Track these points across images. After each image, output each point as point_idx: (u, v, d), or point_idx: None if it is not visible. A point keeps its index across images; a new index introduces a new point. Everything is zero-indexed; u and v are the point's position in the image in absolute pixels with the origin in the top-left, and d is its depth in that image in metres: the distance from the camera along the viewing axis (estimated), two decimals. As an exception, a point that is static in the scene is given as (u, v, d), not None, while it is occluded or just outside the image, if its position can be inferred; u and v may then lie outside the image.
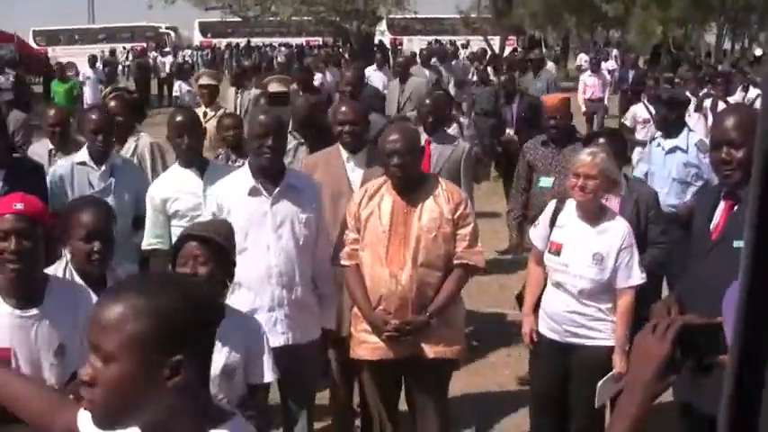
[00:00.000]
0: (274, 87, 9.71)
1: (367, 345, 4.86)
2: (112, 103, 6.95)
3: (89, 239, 3.89)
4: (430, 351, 4.80)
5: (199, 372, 1.86)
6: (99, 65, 25.97)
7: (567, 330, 4.89)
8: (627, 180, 5.55)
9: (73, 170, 5.82)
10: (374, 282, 4.77)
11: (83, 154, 5.89)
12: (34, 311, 3.54)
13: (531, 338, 5.05)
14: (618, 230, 4.79)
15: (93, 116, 5.91)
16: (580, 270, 4.80)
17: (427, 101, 7.24)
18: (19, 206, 3.49)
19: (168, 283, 1.93)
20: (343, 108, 5.71)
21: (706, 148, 7.53)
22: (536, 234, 5.10)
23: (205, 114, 8.92)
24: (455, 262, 4.80)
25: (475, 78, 17.93)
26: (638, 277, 4.75)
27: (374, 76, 15.49)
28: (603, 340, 4.82)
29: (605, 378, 4.67)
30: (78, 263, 3.98)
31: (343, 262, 4.91)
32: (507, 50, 29.66)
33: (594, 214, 4.84)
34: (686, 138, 7.40)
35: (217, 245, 3.69)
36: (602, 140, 5.63)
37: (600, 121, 17.91)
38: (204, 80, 10.00)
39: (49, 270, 3.86)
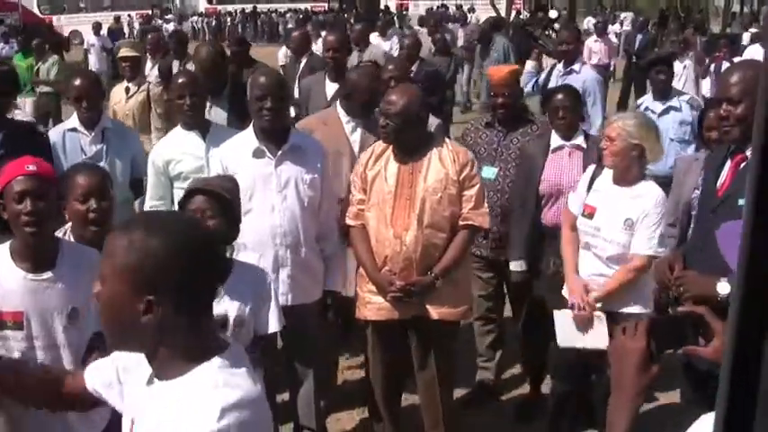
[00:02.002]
0: (125, 52, 9.01)
1: (372, 305, 4.85)
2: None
3: (85, 199, 3.87)
4: (435, 312, 4.79)
5: (182, 311, 1.96)
6: (104, 32, 25.87)
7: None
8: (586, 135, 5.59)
9: (64, 137, 5.78)
10: (379, 242, 4.76)
11: (73, 120, 5.86)
12: (47, 275, 3.52)
13: (582, 298, 4.82)
14: (650, 196, 4.73)
15: (76, 82, 5.85)
16: (611, 235, 4.76)
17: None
18: (31, 167, 3.46)
19: (168, 225, 2.04)
20: (353, 75, 5.71)
21: (699, 105, 7.51)
22: (573, 198, 5.04)
23: (127, 90, 8.26)
24: (460, 223, 4.77)
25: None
26: (654, 248, 4.66)
27: (379, 45, 14.71)
28: (631, 307, 4.78)
29: (558, 312, 4.80)
30: (77, 227, 3.96)
31: (348, 222, 4.90)
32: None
33: (627, 179, 4.78)
34: (677, 97, 7.39)
35: (224, 199, 3.71)
36: (560, 96, 5.56)
37: (606, 88, 17.40)
38: (124, 52, 9.12)
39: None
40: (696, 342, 2.03)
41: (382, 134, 4.73)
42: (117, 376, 2.33)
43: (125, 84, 8.37)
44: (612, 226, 4.75)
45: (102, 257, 2.01)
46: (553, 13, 24.75)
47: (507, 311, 6.24)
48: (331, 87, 6.99)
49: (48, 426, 3.54)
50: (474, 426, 5.58)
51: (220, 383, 1.93)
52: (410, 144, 4.74)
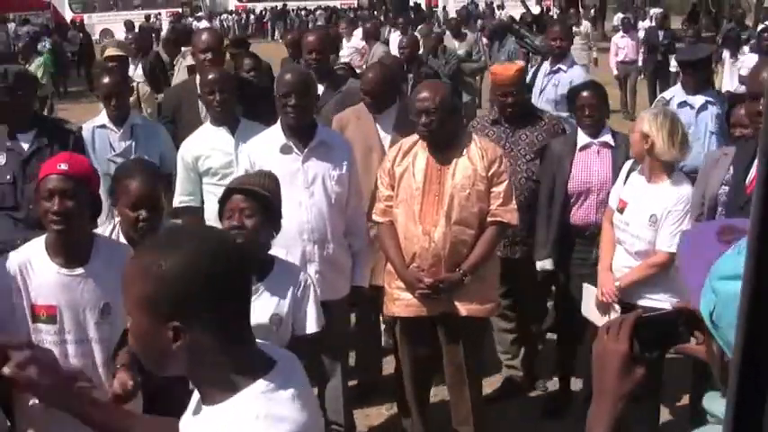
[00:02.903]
0: (111, 52, 8.77)
1: (400, 302, 4.85)
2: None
3: (135, 208, 3.92)
4: (463, 308, 4.78)
5: (214, 333, 1.85)
6: (135, 31, 26.03)
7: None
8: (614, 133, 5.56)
9: (94, 134, 5.86)
10: (408, 239, 4.76)
11: (102, 117, 5.93)
12: (80, 270, 3.56)
13: (608, 295, 4.91)
14: (676, 193, 4.74)
15: (105, 80, 5.93)
16: (637, 230, 4.79)
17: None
18: (63, 166, 3.50)
19: (181, 244, 1.90)
20: (370, 74, 5.72)
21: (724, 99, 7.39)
22: (612, 193, 5.07)
23: None
24: (489, 219, 4.76)
25: None
26: (676, 246, 4.62)
27: (395, 41, 14.24)
28: (663, 303, 4.74)
29: (587, 286, 4.87)
30: (126, 230, 4.04)
31: (376, 218, 4.90)
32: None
33: (655, 174, 4.79)
34: (710, 91, 7.30)
35: (262, 197, 3.72)
36: (586, 93, 5.53)
37: (632, 84, 17.14)
38: (110, 51, 8.89)
39: (97, 230, 3.89)
40: (688, 341, 1.89)
41: (424, 131, 4.70)
42: None
43: None
44: (639, 221, 4.77)
45: (123, 290, 1.91)
46: (535, 9, 24.37)
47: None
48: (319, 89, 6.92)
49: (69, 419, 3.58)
50: (501, 422, 5.56)
51: (262, 415, 1.82)
52: (447, 138, 4.75)
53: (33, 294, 3.51)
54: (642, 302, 4.78)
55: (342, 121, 5.66)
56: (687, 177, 5.04)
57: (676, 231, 4.67)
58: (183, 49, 9.90)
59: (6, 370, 2.22)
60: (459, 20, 15.32)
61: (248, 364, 1.90)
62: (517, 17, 23.63)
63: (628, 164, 5.07)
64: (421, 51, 11.07)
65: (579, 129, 5.54)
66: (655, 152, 4.74)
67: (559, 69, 8.26)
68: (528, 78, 8.39)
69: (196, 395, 2.02)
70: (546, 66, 8.42)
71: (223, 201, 3.79)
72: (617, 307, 4.85)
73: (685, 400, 5.57)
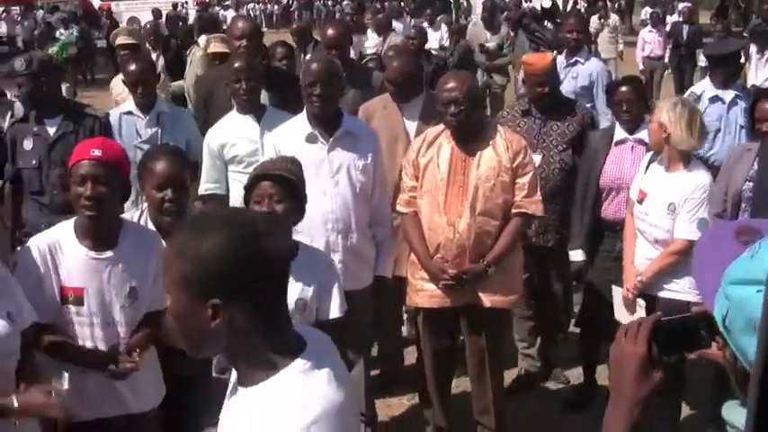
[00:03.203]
0: (216, 48, 8.47)
1: (424, 293, 4.85)
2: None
3: (161, 188, 3.95)
4: (487, 300, 4.78)
5: (252, 312, 1.89)
6: (162, 20, 26.10)
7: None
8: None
9: (120, 120, 5.90)
10: (432, 230, 4.76)
11: (129, 104, 5.97)
12: (108, 254, 3.61)
13: (632, 289, 4.96)
14: (693, 181, 4.76)
15: (132, 68, 5.95)
16: (655, 219, 4.83)
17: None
18: (96, 152, 3.53)
19: (219, 225, 1.94)
20: (395, 63, 5.72)
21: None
22: (633, 185, 5.08)
23: None
24: (513, 211, 4.76)
25: None
26: (695, 233, 4.65)
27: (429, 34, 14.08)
28: (682, 294, 4.80)
29: (615, 288, 4.90)
30: (153, 213, 4.06)
31: (400, 209, 4.90)
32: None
33: (673, 163, 4.82)
34: (737, 85, 7.27)
35: (290, 182, 3.72)
36: (624, 89, 5.51)
37: (658, 80, 16.74)
38: (122, 40, 8.78)
39: (125, 216, 3.92)
40: (709, 346, 1.83)
41: (452, 120, 4.70)
42: None
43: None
44: (658, 211, 4.81)
45: (163, 270, 1.97)
46: (546, 2, 24.04)
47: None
48: None
49: (101, 398, 3.62)
50: (521, 413, 5.55)
51: (302, 394, 1.87)
52: (474, 128, 4.75)
53: (63, 276, 3.56)
54: (663, 294, 4.84)
55: (368, 110, 5.66)
56: (705, 166, 5.06)
57: (693, 218, 4.71)
58: (205, 37, 9.83)
59: None
60: (492, 11, 14.99)
61: (285, 345, 1.94)
62: (545, 6, 23.41)
63: (648, 155, 5.08)
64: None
65: (617, 123, 5.54)
66: (673, 141, 4.75)
67: (577, 62, 8.21)
68: None
69: (232, 378, 2.05)
70: (561, 59, 8.25)
71: (250, 187, 3.77)
72: (642, 302, 4.87)
73: (706, 400, 5.54)
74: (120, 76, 7.64)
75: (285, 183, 3.70)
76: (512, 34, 13.22)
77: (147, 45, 9.94)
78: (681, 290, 4.81)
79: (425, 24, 15.15)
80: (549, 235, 5.76)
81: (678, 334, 1.87)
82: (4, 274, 3.36)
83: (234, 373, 2.05)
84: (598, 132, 5.70)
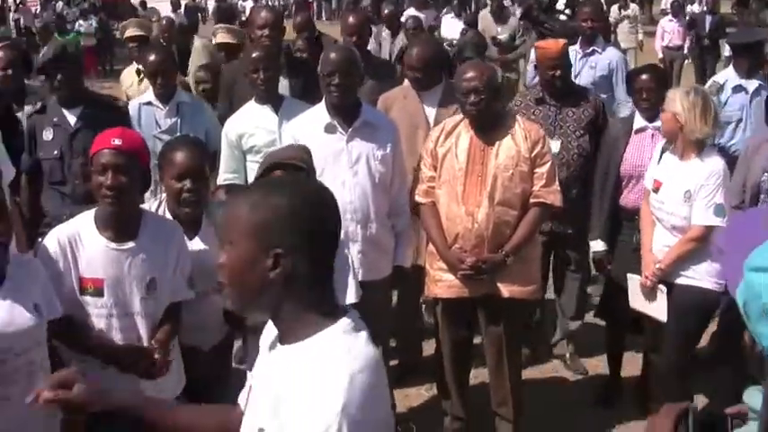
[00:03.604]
0: (222, 38, 8.24)
1: (442, 283, 4.84)
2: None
3: (180, 178, 3.96)
4: (505, 290, 4.76)
5: (308, 266, 2.01)
6: (181, 10, 26.12)
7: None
8: None
9: (140, 110, 5.90)
10: (450, 220, 4.74)
11: (149, 94, 5.98)
12: (129, 245, 3.61)
13: (651, 276, 4.93)
14: (707, 168, 4.75)
15: (151, 58, 5.96)
16: (672, 207, 4.82)
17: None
18: (117, 141, 3.54)
19: (289, 184, 2.17)
20: (416, 50, 5.66)
21: None
22: (648, 174, 5.08)
23: (139, 72, 7.40)
24: (532, 201, 4.75)
25: None
26: (711, 219, 4.69)
27: (449, 24, 13.92)
28: (699, 281, 4.82)
29: (630, 276, 5.02)
30: (171, 203, 4.06)
31: (419, 199, 4.89)
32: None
33: (686, 151, 4.80)
34: (759, 75, 7.22)
35: (302, 171, 3.72)
36: (644, 76, 5.49)
37: (677, 70, 16.46)
38: (131, 32, 8.46)
39: (143, 206, 3.93)
40: None
41: (473, 110, 4.68)
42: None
43: (135, 66, 7.65)
44: (674, 198, 4.80)
45: (226, 225, 2.07)
46: None
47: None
48: None
49: (121, 387, 3.63)
50: (539, 404, 5.54)
51: (348, 348, 1.96)
52: (493, 118, 4.74)
53: (82, 267, 3.56)
54: (680, 281, 4.85)
55: (387, 100, 5.65)
56: (718, 152, 5.06)
57: (710, 204, 4.70)
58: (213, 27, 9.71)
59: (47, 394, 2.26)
60: (501, 1, 14.59)
61: (330, 306, 2.07)
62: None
63: (660, 144, 5.07)
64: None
65: (637, 111, 5.52)
66: (687, 130, 4.74)
67: (594, 51, 8.12)
68: None
69: (268, 336, 2.15)
70: (576, 49, 8.11)
71: (264, 176, 3.77)
72: (663, 288, 4.87)
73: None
74: (131, 68, 7.75)
75: (297, 171, 3.70)
76: (521, 25, 12.88)
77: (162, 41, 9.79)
78: (698, 276, 4.81)
79: (451, 16, 14.88)
80: (568, 222, 5.73)
81: (706, 428, 1.89)
82: (34, 266, 3.39)
83: (269, 334, 2.15)
84: (618, 121, 5.68)
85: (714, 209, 4.68)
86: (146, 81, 7.06)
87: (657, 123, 5.33)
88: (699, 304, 4.84)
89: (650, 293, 4.93)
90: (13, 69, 6.01)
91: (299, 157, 3.78)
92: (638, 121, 5.47)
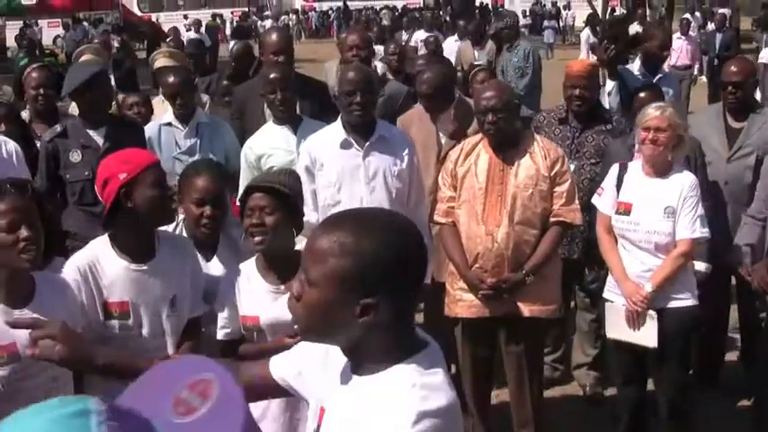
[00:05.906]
0: (161, 62, 8.11)
1: (463, 302, 4.83)
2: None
3: (200, 204, 3.97)
4: (526, 309, 4.75)
5: (394, 312, 1.92)
6: (202, 30, 26.35)
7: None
8: None
9: (160, 131, 5.91)
10: (471, 240, 4.73)
11: (169, 115, 5.99)
12: (149, 264, 3.61)
13: (640, 303, 4.71)
14: (687, 181, 4.71)
15: (170, 80, 5.98)
16: (653, 225, 4.71)
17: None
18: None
19: (380, 225, 1.97)
20: (427, 75, 5.61)
21: None
22: (602, 201, 4.93)
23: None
24: (552, 219, 4.73)
25: None
26: (698, 231, 4.64)
27: (454, 47, 13.14)
28: (687, 300, 4.74)
29: (609, 305, 4.84)
30: (190, 226, 4.08)
31: (439, 219, 4.88)
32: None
33: (663, 168, 4.75)
34: None
35: (282, 194, 3.67)
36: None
37: (686, 90, 15.12)
38: (161, 62, 8.23)
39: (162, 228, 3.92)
40: None
41: (491, 128, 4.68)
42: (303, 367, 2.25)
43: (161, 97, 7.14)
44: (653, 217, 4.70)
45: (309, 261, 1.95)
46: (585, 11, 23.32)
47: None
48: None
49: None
50: (562, 425, 5.50)
51: (419, 384, 1.88)
52: (512, 137, 4.74)
53: (106, 292, 3.54)
54: (672, 304, 4.71)
55: (404, 122, 5.65)
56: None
57: (695, 217, 4.65)
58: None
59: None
60: (478, 23, 13.82)
61: (409, 342, 1.99)
62: (584, 17, 23.09)
63: (614, 168, 4.94)
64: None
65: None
66: (682, 145, 4.74)
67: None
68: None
69: (340, 367, 2.07)
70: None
71: (243, 199, 3.75)
72: (653, 313, 4.69)
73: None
74: (158, 99, 7.31)
75: (276, 195, 3.65)
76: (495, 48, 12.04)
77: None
78: (684, 295, 4.72)
79: (454, 39, 14.14)
80: (577, 246, 5.67)
81: None
82: (61, 283, 3.41)
83: (344, 362, 2.07)
84: (618, 140, 5.61)
85: (700, 220, 4.64)
86: None
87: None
88: (692, 322, 4.76)
89: (637, 320, 4.73)
90: (44, 90, 6.08)
91: (278, 180, 3.74)
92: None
